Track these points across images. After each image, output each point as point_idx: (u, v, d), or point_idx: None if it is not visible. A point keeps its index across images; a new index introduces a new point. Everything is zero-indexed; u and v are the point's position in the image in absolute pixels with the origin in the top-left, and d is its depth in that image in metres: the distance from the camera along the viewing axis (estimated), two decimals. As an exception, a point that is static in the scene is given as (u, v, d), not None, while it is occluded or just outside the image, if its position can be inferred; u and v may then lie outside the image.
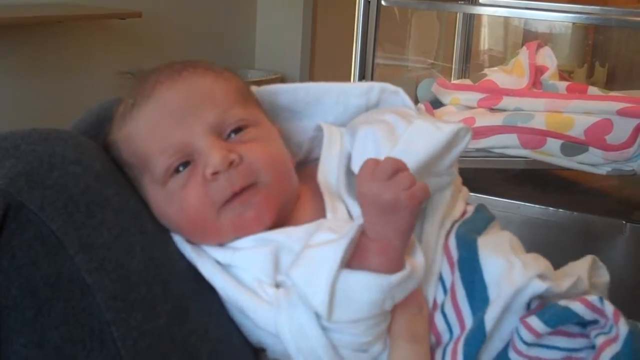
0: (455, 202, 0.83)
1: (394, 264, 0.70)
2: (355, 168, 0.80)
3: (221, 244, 0.79)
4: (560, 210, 1.62)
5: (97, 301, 0.66)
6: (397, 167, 0.71)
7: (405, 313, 0.73)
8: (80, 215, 0.68)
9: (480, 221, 0.81)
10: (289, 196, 0.82)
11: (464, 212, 0.83)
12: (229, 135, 0.80)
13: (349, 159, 0.84)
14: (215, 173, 0.76)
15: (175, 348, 0.70)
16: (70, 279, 0.65)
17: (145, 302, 0.69)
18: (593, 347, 0.70)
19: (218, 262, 0.77)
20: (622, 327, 0.67)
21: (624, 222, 1.56)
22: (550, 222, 1.62)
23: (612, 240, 1.56)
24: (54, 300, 0.65)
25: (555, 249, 1.60)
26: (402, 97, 0.89)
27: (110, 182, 0.74)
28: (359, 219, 0.73)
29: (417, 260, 0.73)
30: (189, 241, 0.79)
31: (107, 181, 0.73)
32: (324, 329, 0.70)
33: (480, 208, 0.85)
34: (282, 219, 0.80)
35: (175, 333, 0.70)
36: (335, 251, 0.69)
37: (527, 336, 0.69)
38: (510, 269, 0.71)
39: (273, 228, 0.78)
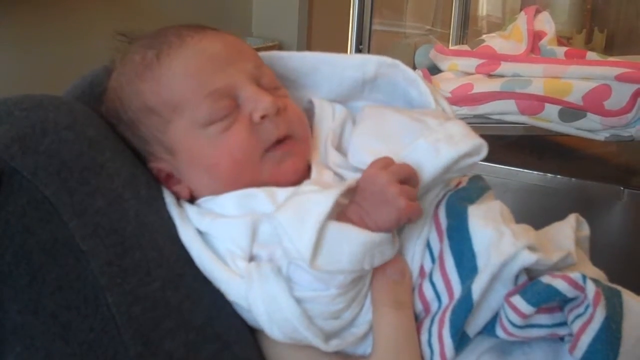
0: None
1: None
2: (354, 157, 0.81)
3: (202, 210, 0.79)
4: (558, 176, 1.62)
5: (91, 267, 0.66)
6: (410, 176, 0.73)
7: (387, 280, 0.74)
8: (74, 181, 0.68)
9: (473, 190, 0.80)
10: (309, 155, 0.84)
11: (459, 183, 0.82)
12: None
13: (338, 137, 0.86)
14: (263, 116, 0.78)
15: (169, 313, 0.70)
16: (64, 244, 0.65)
17: (140, 267, 0.69)
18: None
19: (199, 231, 0.77)
20: (599, 311, 0.67)
21: (621, 188, 1.56)
22: (548, 189, 1.61)
23: (610, 206, 1.56)
24: (49, 267, 0.65)
25: (553, 215, 1.59)
26: (401, 69, 0.87)
27: (104, 147, 0.74)
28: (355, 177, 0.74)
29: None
30: (177, 205, 0.80)
31: (100, 147, 0.73)
32: (296, 299, 0.70)
33: (475, 178, 0.84)
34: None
35: (170, 297, 0.70)
36: (326, 198, 0.69)
37: (514, 317, 0.69)
38: (500, 239, 0.70)
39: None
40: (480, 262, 0.72)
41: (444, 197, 0.79)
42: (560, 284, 0.68)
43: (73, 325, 0.65)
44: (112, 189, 0.71)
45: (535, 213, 1.61)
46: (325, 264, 0.68)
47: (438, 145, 0.74)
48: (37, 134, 0.68)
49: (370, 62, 0.88)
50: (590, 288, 0.68)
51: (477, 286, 0.70)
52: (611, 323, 0.67)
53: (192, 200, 0.82)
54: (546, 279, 0.69)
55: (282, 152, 0.80)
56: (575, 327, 0.68)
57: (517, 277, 0.70)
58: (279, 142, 0.80)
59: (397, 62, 0.87)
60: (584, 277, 0.68)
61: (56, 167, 0.67)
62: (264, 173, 0.80)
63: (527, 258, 0.69)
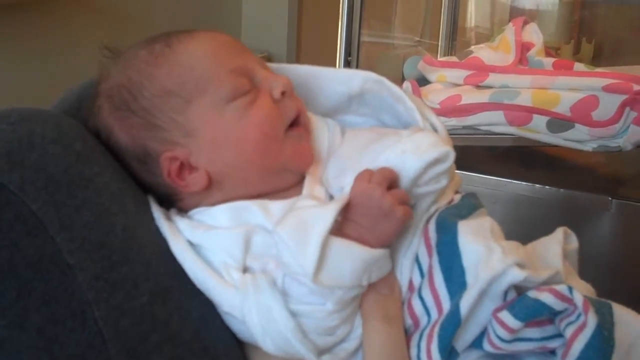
0: (444, 190, 0.81)
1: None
2: (332, 184, 0.82)
3: (194, 223, 0.79)
4: (547, 187, 1.63)
5: (78, 281, 0.65)
6: (393, 179, 0.74)
7: (376, 294, 0.74)
8: (61, 196, 0.67)
9: (464, 207, 0.80)
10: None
11: (451, 200, 0.82)
12: None
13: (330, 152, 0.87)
14: (283, 93, 0.81)
15: (157, 327, 0.70)
16: (51, 259, 0.65)
17: (127, 282, 0.69)
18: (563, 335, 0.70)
19: (190, 243, 0.77)
20: (591, 318, 0.67)
21: (609, 198, 1.57)
22: (537, 199, 1.62)
23: (598, 217, 1.57)
24: (35, 281, 0.64)
25: (542, 225, 1.59)
26: (387, 86, 0.86)
27: (92, 161, 0.73)
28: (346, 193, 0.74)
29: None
30: (166, 218, 0.79)
31: (88, 161, 0.73)
32: (291, 312, 0.70)
33: (469, 196, 0.84)
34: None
35: (157, 311, 0.70)
36: (327, 213, 0.70)
37: (502, 333, 0.69)
38: (489, 255, 0.70)
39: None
40: (469, 277, 0.72)
41: (435, 212, 0.79)
42: (547, 298, 0.68)
43: (60, 339, 0.64)
44: (100, 203, 0.70)
45: (524, 223, 1.62)
46: (327, 280, 0.69)
47: (404, 157, 0.75)
48: (23, 148, 0.67)
49: (355, 78, 0.88)
50: (578, 297, 0.68)
51: (466, 302, 0.70)
52: (603, 330, 0.67)
53: (185, 211, 0.82)
54: (533, 294, 0.69)
55: (299, 133, 0.83)
56: (568, 334, 0.68)
57: (506, 293, 0.70)
58: (294, 123, 0.83)
59: (383, 78, 0.87)
60: (570, 289, 0.68)
61: (43, 182, 0.67)
62: (286, 152, 0.81)
63: (516, 275, 0.68)
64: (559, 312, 0.69)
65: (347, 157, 0.82)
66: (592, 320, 0.67)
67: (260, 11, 3.67)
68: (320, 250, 0.68)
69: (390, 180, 0.73)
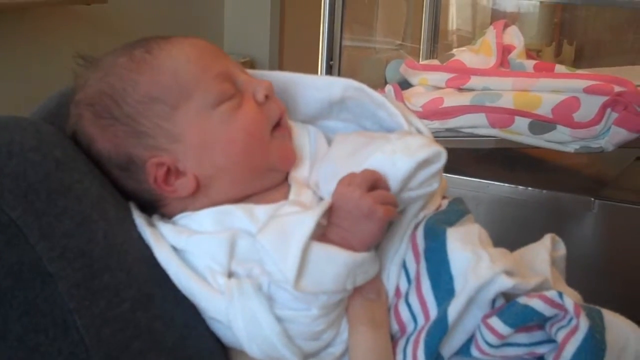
0: (433, 195, 0.81)
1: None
2: (322, 188, 0.81)
3: (178, 228, 0.79)
4: (530, 188, 1.63)
5: (59, 290, 0.65)
6: (376, 180, 0.73)
7: (363, 299, 0.74)
8: (41, 204, 0.67)
9: (452, 213, 0.80)
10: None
11: (439, 206, 0.82)
12: None
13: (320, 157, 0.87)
14: (267, 96, 0.82)
15: (140, 334, 0.69)
16: (31, 268, 0.65)
17: (109, 289, 0.68)
18: (553, 340, 0.70)
19: (175, 248, 0.76)
20: (583, 322, 0.67)
21: (592, 199, 1.57)
22: (520, 201, 1.63)
23: (581, 217, 1.58)
24: (16, 291, 0.64)
25: (525, 227, 1.61)
26: (367, 93, 0.86)
27: (72, 168, 0.73)
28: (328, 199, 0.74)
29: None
30: (149, 224, 0.79)
31: (68, 168, 0.72)
32: (277, 317, 0.70)
33: (456, 201, 0.84)
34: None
35: (140, 319, 0.70)
36: (308, 219, 0.70)
37: (491, 338, 0.69)
38: (477, 262, 0.70)
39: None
40: (457, 285, 0.71)
41: (423, 219, 0.79)
42: (537, 304, 0.68)
43: (41, 348, 0.64)
44: (80, 210, 0.70)
45: (508, 225, 1.62)
46: (310, 286, 0.69)
47: (394, 157, 0.74)
48: (2, 156, 0.67)
49: (335, 85, 0.88)
50: (569, 302, 0.68)
51: (453, 309, 0.70)
52: (595, 333, 0.67)
53: (169, 216, 0.82)
54: (523, 300, 0.69)
55: (283, 134, 0.84)
56: (559, 337, 0.68)
57: (494, 300, 0.70)
58: (278, 124, 0.84)
59: (363, 86, 0.86)
60: (560, 294, 0.68)
61: (22, 190, 0.66)
62: (272, 152, 0.82)
63: (504, 283, 0.68)
64: (549, 318, 0.69)
65: (337, 161, 0.81)
66: (584, 324, 0.67)
67: (243, 16, 3.67)
68: (301, 257, 0.68)
69: (372, 182, 0.73)
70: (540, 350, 0.71)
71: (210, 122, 0.80)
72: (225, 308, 0.72)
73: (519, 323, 0.68)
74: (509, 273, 0.69)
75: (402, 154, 0.74)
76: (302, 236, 0.68)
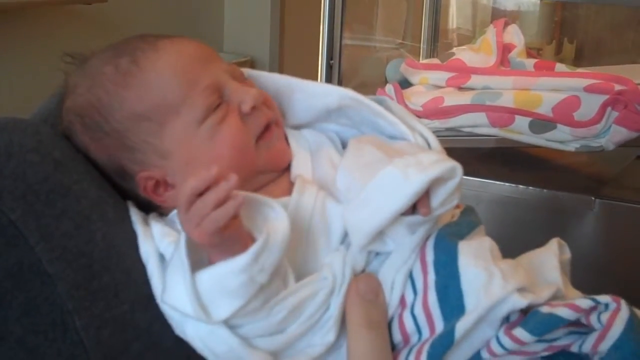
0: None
1: (247, 244, 0.69)
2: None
3: (165, 230, 0.77)
4: (530, 187, 1.63)
5: (58, 291, 0.65)
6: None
7: (361, 300, 0.73)
8: (40, 205, 0.67)
9: (464, 225, 0.79)
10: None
11: (452, 216, 0.81)
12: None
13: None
14: (253, 107, 0.82)
15: (139, 335, 0.69)
16: (31, 269, 0.65)
17: (108, 290, 0.68)
18: (574, 332, 0.69)
19: (162, 255, 0.76)
20: (624, 304, 0.66)
21: (592, 198, 1.57)
22: (520, 200, 1.62)
23: (581, 217, 1.57)
24: (15, 292, 0.64)
25: (525, 226, 1.60)
26: (365, 104, 0.85)
27: (71, 169, 0.73)
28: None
29: (277, 223, 0.71)
30: (143, 223, 0.78)
31: (67, 169, 0.72)
32: (231, 327, 0.69)
33: (467, 212, 0.83)
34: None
35: (139, 319, 0.70)
36: (180, 260, 0.68)
37: (511, 345, 0.68)
38: (490, 280, 0.69)
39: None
40: (468, 301, 0.70)
41: (434, 229, 0.77)
42: (563, 312, 0.67)
43: (40, 349, 0.64)
44: (79, 211, 0.70)
45: (508, 224, 1.62)
46: (224, 311, 0.67)
47: (407, 171, 0.72)
48: (2, 157, 0.67)
49: (332, 94, 0.87)
50: (603, 296, 0.67)
51: (462, 325, 0.69)
52: (635, 317, 0.66)
53: (166, 214, 0.82)
54: (545, 309, 0.67)
55: (270, 137, 0.84)
56: (603, 320, 0.67)
57: (508, 316, 0.69)
58: (265, 129, 0.83)
59: (358, 96, 0.85)
60: (593, 299, 0.67)
61: (22, 191, 0.66)
62: (260, 160, 0.82)
63: (517, 302, 0.67)
64: (574, 321, 0.68)
65: (351, 170, 0.80)
66: (625, 306, 0.66)
67: (242, 16, 3.67)
68: (196, 298, 0.67)
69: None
70: (559, 343, 0.70)
71: (197, 139, 0.79)
72: (181, 326, 0.71)
73: (545, 331, 0.67)
74: (521, 290, 0.68)
75: (415, 169, 0.72)
76: (185, 278, 0.67)
